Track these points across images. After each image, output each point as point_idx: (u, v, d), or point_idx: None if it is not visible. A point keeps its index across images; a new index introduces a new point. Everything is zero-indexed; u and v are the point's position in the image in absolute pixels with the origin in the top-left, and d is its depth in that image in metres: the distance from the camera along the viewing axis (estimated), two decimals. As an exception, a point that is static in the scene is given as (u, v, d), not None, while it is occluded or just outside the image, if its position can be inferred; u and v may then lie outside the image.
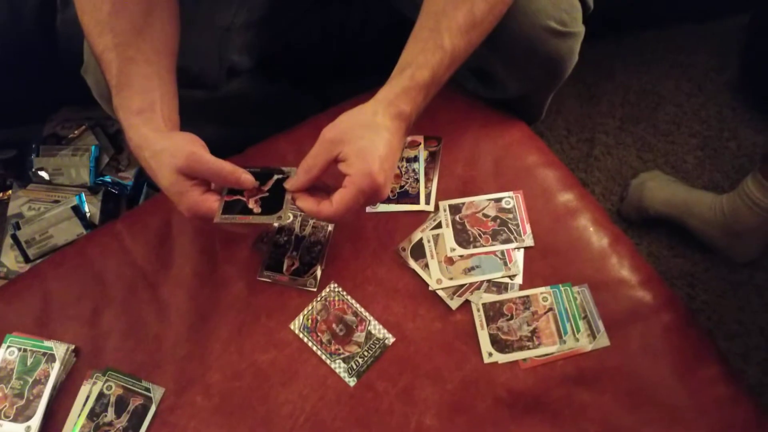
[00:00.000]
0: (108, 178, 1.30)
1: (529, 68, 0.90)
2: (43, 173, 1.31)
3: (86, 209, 1.25)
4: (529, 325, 0.82)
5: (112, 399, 0.79)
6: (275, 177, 0.77)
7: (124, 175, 1.31)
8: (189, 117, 0.97)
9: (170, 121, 0.77)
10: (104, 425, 0.78)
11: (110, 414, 0.79)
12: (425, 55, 0.75)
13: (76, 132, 1.36)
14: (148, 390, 0.80)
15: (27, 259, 1.20)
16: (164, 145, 0.73)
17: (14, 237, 1.20)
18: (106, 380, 0.80)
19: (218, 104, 1.00)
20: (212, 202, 0.73)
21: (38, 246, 1.21)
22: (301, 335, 0.83)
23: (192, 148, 0.73)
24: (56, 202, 1.26)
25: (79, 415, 0.79)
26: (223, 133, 1.04)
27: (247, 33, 0.98)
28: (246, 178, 0.74)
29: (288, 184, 0.75)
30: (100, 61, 0.77)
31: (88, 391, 0.80)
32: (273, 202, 0.75)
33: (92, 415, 0.79)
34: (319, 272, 0.85)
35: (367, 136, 0.73)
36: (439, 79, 0.77)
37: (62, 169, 1.31)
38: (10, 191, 1.32)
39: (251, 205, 0.75)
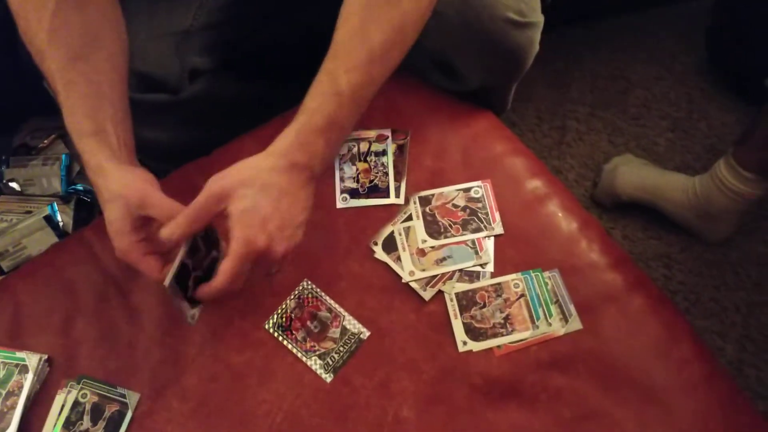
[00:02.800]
0: (80, 186, 1.29)
1: (490, 60, 0.90)
2: (14, 184, 1.29)
3: (59, 218, 1.23)
4: (501, 312, 0.82)
5: (88, 407, 0.79)
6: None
7: (96, 183, 1.30)
8: (154, 121, 0.96)
9: (125, 145, 0.76)
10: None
11: (86, 422, 0.78)
12: (321, 99, 0.73)
13: (45, 141, 1.34)
14: (123, 396, 0.80)
15: (1, 272, 1.19)
16: (118, 181, 0.72)
17: (-14, 250, 1.18)
18: (81, 388, 0.79)
19: (183, 107, 0.99)
20: (151, 264, 0.72)
21: (12, 258, 1.19)
22: (275, 334, 0.82)
23: (144, 188, 0.72)
24: (28, 212, 1.25)
25: (55, 425, 0.78)
26: (191, 135, 1.03)
27: (208, 34, 0.98)
28: (176, 232, 0.70)
29: (165, 233, 0.70)
30: (49, 85, 0.76)
31: (62, 400, 0.79)
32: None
33: (68, 424, 0.78)
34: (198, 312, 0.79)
35: (250, 195, 0.70)
36: (342, 122, 0.75)
37: (33, 180, 1.29)
38: (-20, 204, 1.30)
39: (192, 280, 0.75)
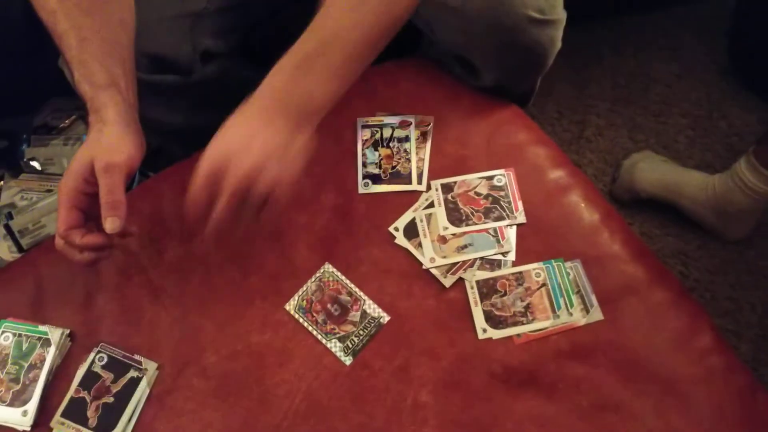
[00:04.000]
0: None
1: (510, 58, 0.89)
2: (34, 163, 1.30)
3: (79, 198, 1.24)
4: (522, 300, 0.82)
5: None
6: (129, 375, 0.79)
7: (116, 164, 1.30)
8: (166, 103, 0.96)
9: (132, 105, 0.76)
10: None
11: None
12: (299, 42, 0.74)
13: (66, 122, 1.35)
14: (140, 363, 0.80)
15: (20, 249, 1.20)
16: (112, 132, 0.72)
17: (7, 227, 1.19)
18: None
19: (194, 89, 0.99)
20: (68, 218, 0.73)
21: (32, 236, 1.20)
22: (296, 316, 0.83)
23: (122, 157, 0.72)
24: (49, 191, 1.26)
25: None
26: (204, 119, 1.03)
27: (222, 17, 0.97)
28: (110, 222, 0.71)
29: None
30: (60, 47, 0.76)
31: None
32: (113, 414, 0.77)
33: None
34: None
35: (221, 133, 0.73)
36: (321, 60, 0.73)
37: (54, 159, 1.30)
38: (1, 182, 1.31)
39: (90, 412, 0.77)
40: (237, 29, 1.02)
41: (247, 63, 1.12)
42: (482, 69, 0.93)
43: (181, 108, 1.00)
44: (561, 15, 0.89)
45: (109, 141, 0.72)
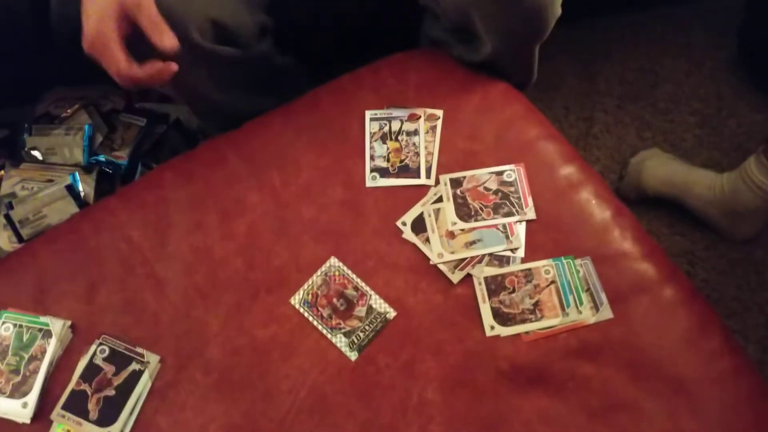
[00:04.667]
0: (102, 158, 1.28)
1: (509, 20, 0.88)
2: (35, 153, 1.28)
3: (80, 188, 1.23)
4: (531, 298, 0.81)
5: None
6: (131, 368, 0.78)
7: (118, 155, 1.28)
8: (217, 77, 0.95)
9: None
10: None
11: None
12: None
13: (69, 111, 1.33)
14: (142, 356, 0.79)
15: (20, 240, 1.18)
16: None
17: (7, 217, 1.18)
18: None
19: (247, 66, 0.98)
20: (121, 56, 0.75)
21: (32, 226, 1.19)
22: (301, 310, 0.82)
23: None
24: (50, 181, 1.24)
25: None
26: (244, 102, 1.02)
27: None
28: (168, 40, 0.75)
29: (170, 42, 0.76)
30: None
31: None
32: (114, 407, 0.76)
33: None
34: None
35: None
36: None
37: (55, 149, 1.28)
38: (2, 171, 1.30)
39: (91, 405, 0.76)
40: (282, 6, 1.01)
41: (284, 47, 1.10)
42: (482, 35, 0.91)
43: (231, 86, 1.00)
44: None
45: None
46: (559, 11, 0.90)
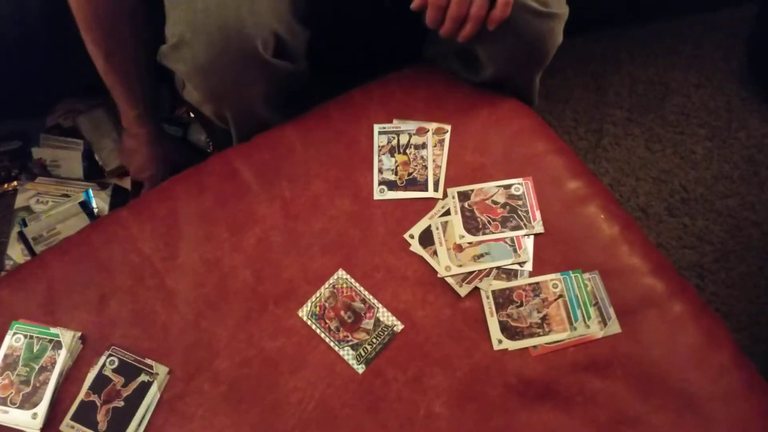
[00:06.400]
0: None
1: (511, 49, 0.89)
2: (42, 164, 1.30)
3: (94, 205, 1.24)
4: (539, 312, 0.81)
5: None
6: (140, 379, 0.79)
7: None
8: (266, 93, 0.94)
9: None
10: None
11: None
12: None
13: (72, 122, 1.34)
14: (151, 367, 0.80)
15: (33, 256, 1.19)
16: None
17: (21, 234, 1.19)
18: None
19: (293, 82, 0.97)
20: None
21: (46, 242, 1.19)
22: (309, 322, 0.82)
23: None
24: (65, 196, 1.25)
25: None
26: (281, 118, 1.01)
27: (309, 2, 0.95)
28: None
29: None
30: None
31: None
32: (123, 418, 0.77)
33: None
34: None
35: None
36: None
37: (59, 161, 1.30)
38: (15, 182, 1.31)
39: (100, 416, 0.76)
40: (311, 17, 1.01)
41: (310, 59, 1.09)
42: (483, 61, 0.92)
43: (277, 103, 0.99)
44: (563, 9, 0.90)
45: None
46: (560, 40, 0.91)
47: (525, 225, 0.85)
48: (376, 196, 0.89)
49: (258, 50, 0.84)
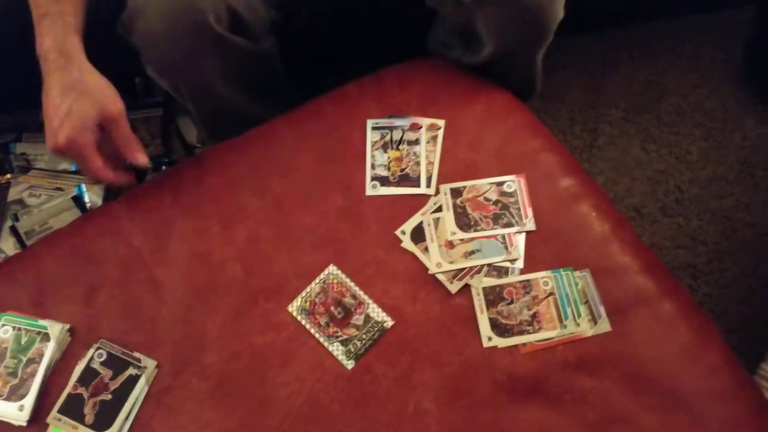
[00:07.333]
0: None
1: (511, 22, 0.88)
2: (25, 158, 1.29)
3: (87, 199, 1.23)
4: (529, 309, 0.81)
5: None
6: (128, 372, 0.78)
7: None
8: (226, 69, 0.95)
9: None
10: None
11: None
12: None
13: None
14: (139, 361, 0.79)
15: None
16: (98, 81, 0.80)
17: (13, 228, 1.18)
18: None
19: (255, 59, 0.98)
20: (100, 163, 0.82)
21: (38, 237, 1.19)
22: (299, 317, 0.82)
23: (121, 104, 0.81)
24: (58, 189, 1.25)
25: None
26: (243, 100, 1.02)
27: None
28: (141, 157, 0.85)
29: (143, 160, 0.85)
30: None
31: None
32: (110, 411, 0.77)
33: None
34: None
35: None
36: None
37: (44, 155, 1.29)
38: (9, 175, 1.30)
39: (87, 408, 0.76)
40: (288, 4, 1.02)
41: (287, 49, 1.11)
42: (483, 37, 0.91)
43: (235, 81, 1.00)
44: None
45: (103, 92, 0.81)
46: (561, 14, 0.90)
47: (517, 222, 0.85)
48: (369, 191, 0.89)
49: (209, 23, 0.85)
